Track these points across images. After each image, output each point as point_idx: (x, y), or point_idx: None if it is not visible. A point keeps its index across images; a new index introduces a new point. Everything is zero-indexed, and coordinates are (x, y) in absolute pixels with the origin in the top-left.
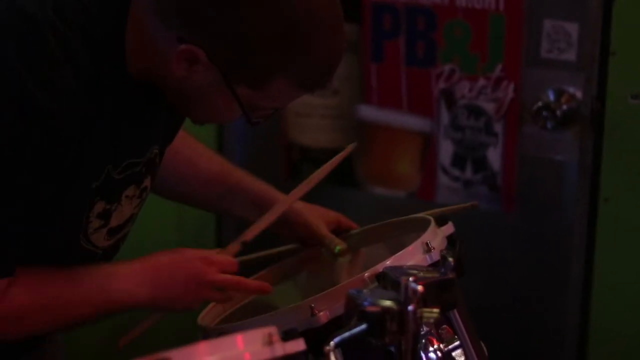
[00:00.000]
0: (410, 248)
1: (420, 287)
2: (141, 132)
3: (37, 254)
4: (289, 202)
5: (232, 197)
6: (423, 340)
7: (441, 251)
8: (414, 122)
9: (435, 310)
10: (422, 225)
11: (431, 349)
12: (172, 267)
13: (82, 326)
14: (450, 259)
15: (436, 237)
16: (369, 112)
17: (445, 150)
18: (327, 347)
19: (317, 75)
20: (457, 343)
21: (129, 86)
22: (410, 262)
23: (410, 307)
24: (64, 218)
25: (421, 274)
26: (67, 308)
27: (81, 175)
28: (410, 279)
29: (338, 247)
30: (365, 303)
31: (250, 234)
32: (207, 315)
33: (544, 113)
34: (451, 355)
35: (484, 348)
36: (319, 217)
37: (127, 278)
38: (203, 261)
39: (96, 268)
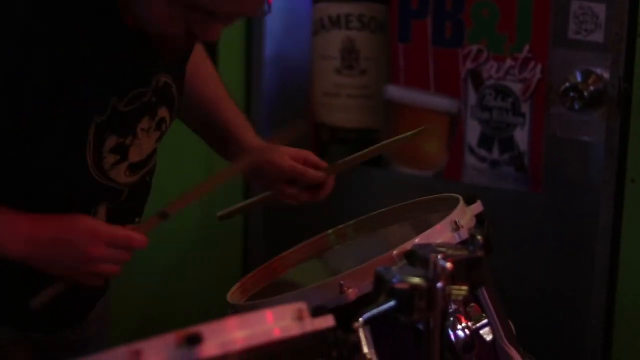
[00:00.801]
0: (438, 226)
1: (449, 265)
2: (142, 62)
3: (47, 190)
4: (223, 176)
5: (210, 130)
6: (451, 318)
7: (469, 229)
8: (441, 102)
9: (464, 287)
10: (449, 204)
11: (459, 326)
12: (56, 232)
13: None
14: (479, 237)
15: (464, 215)
16: (396, 92)
17: (472, 130)
18: (356, 324)
19: None
20: (485, 321)
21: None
22: (439, 240)
23: (438, 285)
24: (71, 153)
25: (450, 252)
26: None
27: (83, 108)
28: (439, 256)
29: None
30: (394, 280)
31: (174, 207)
32: (236, 292)
33: (571, 94)
34: (479, 332)
35: (512, 326)
36: (283, 154)
37: (4, 228)
38: (89, 233)
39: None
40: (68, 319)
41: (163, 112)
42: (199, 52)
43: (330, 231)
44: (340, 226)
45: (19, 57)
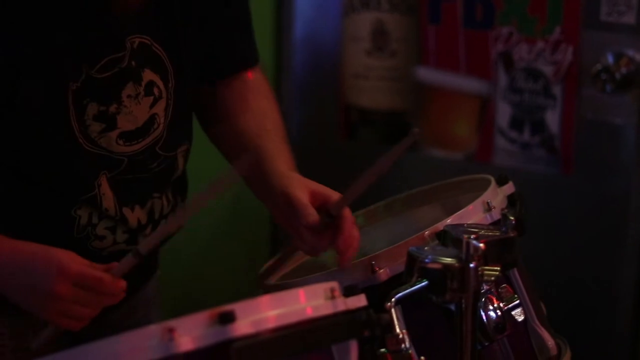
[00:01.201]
0: (470, 207)
1: (482, 245)
2: (109, 25)
3: (43, 165)
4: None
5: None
6: (483, 299)
7: (501, 210)
8: (471, 84)
9: (496, 268)
10: (481, 185)
11: (490, 307)
12: (24, 264)
13: None
14: (512, 218)
15: (496, 196)
16: (426, 74)
17: (503, 112)
18: (389, 304)
19: None
20: (516, 302)
21: None
22: (471, 221)
23: (471, 265)
24: (55, 121)
25: (482, 232)
26: None
27: (55, 75)
28: (472, 236)
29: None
30: (427, 260)
31: (146, 244)
32: (266, 272)
33: (603, 76)
34: (510, 314)
35: (543, 307)
36: (303, 188)
37: None
38: (55, 269)
39: None
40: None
41: (149, 75)
42: (250, 85)
43: (359, 212)
44: (370, 207)
45: None
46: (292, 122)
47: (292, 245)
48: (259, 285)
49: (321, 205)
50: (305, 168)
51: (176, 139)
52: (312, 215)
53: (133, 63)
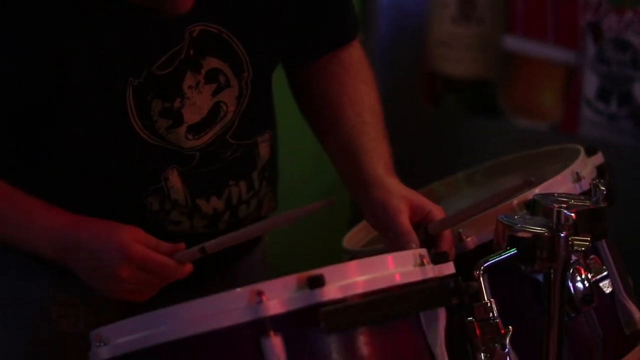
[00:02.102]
0: (559, 177)
1: (573, 215)
2: (166, 19)
3: (108, 162)
4: (271, 225)
5: (340, 150)
6: (571, 269)
7: (592, 180)
8: (558, 53)
9: (586, 238)
10: (568, 156)
11: (578, 278)
12: (87, 241)
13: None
14: (603, 188)
15: (586, 166)
16: (513, 42)
17: (590, 83)
18: (477, 272)
19: None
20: (604, 273)
21: None
22: (560, 191)
23: (562, 235)
24: (113, 118)
25: (573, 202)
26: None
27: (112, 71)
28: (563, 205)
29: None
30: (516, 229)
31: (215, 245)
32: (351, 239)
33: None
34: (598, 285)
35: (630, 280)
36: (404, 202)
37: (44, 231)
38: (121, 253)
39: (33, 205)
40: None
41: (212, 62)
42: (348, 66)
43: (441, 181)
44: (453, 176)
45: (44, 29)
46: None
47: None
48: (343, 251)
49: (420, 221)
50: (390, 135)
51: (253, 127)
52: (414, 242)
53: (191, 52)
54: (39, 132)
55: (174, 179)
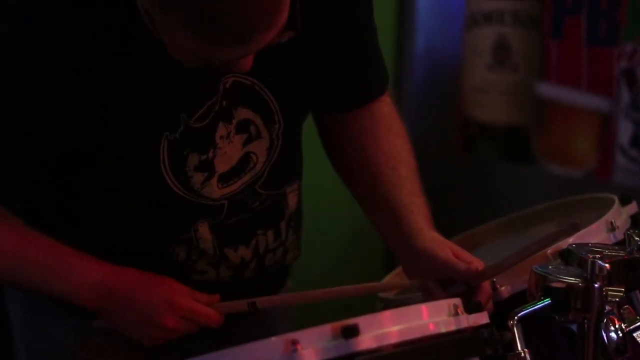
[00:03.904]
0: (594, 226)
1: (607, 265)
2: (201, 70)
3: (136, 215)
4: (334, 293)
5: (378, 205)
6: (604, 319)
7: (626, 230)
8: (593, 101)
9: (621, 289)
10: (602, 204)
11: (612, 328)
12: (133, 291)
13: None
14: (637, 239)
15: (620, 215)
16: (547, 89)
17: (625, 130)
18: (511, 322)
19: (206, 21)
20: (638, 324)
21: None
22: (594, 240)
23: (596, 285)
24: (145, 172)
25: (607, 252)
26: (23, 271)
27: (148, 126)
28: (597, 256)
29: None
30: (550, 279)
31: (266, 302)
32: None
33: None
34: (632, 335)
35: None
36: (449, 251)
37: (84, 281)
38: (168, 304)
39: (72, 256)
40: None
41: (243, 113)
42: (380, 120)
43: (475, 230)
44: (490, 223)
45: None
46: (411, 135)
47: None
48: (377, 299)
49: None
50: (424, 181)
51: (282, 178)
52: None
53: (224, 103)
54: (73, 179)
55: (204, 231)
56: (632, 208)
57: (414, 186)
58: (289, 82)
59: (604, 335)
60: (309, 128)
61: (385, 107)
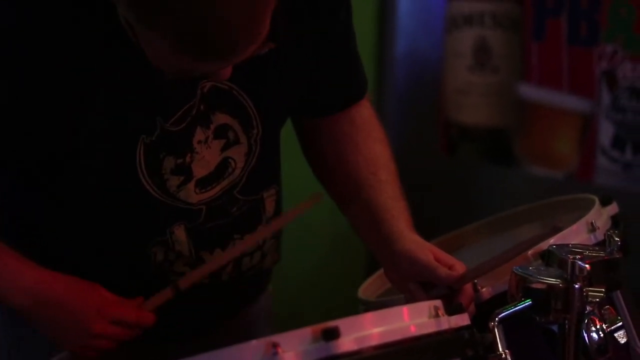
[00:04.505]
0: (574, 227)
1: (587, 266)
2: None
3: (113, 217)
4: (238, 249)
5: (359, 210)
6: (585, 320)
7: (607, 230)
8: (574, 102)
9: (601, 289)
10: (583, 205)
11: (593, 329)
12: (62, 297)
13: None
14: (617, 239)
15: (601, 216)
16: (528, 90)
17: (606, 131)
18: (492, 323)
19: (189, 39)
20: (619, 324)
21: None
22: (574, 241)
23: (576, 286)
24: (121, 175)
25: (587, 253)
26: None
27: (124, 129)
28: (577, 257)
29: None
30: (531, 280)
31: (187, 281)
32: (367, 289)
33: None
34: (613, 336)
35: None
36: (430, 254)
37: (8, 276)
38: (97, 310)
39: (8, 258)
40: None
41: (221, 118)
42: (359, 125)
43: (457, 232)
44: (470, 225)
45: (56, 78)
46: (392, 137)
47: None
48: (358, 301)
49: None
50: (405, 183)
51: (260, 183)
52: (444, 289)
53: (202, 107)
54: (49, 180)
55: (180, 233)
56: (612, 209)
57: (394, 190)
58: (267, 87)
59: (585, 335)
60: (287, 132)
61: (365, 112)
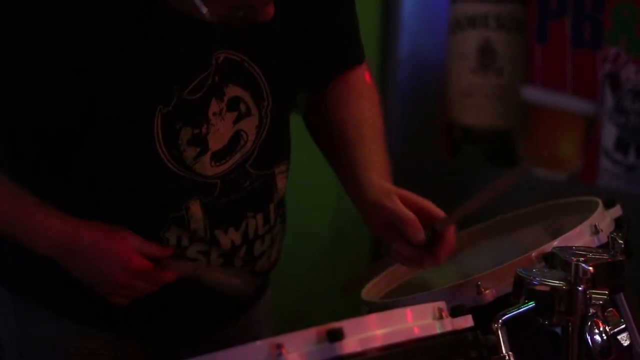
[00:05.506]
0: (577, 229)
1: (590, 268)
2: (197, 44)
3: (129, 188)
4: None
5: (340, 163)
6: (589, 322)
7: (610, 233)
8: (577, 104)
9: (604, 292)
10: (586, 208)
11: (596, 331)
12: (87, 246)
13: None
14: (620, 241)
15: (604, 219)
16: (532, 92)
17: (609, 133)
18: (496, 325)
19: None
20: (622, 326)
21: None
22: (578, 244)
23: (579, 288)
24: (139, 146)
25: (591, 255)
26: None
27: (143, 97)
28: (581, 259)
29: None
30: (535, 282)
31: (210, 274)
32: (370, 291)
33: None
34: (616, 338)
35: None
36: (396, 196)
37: (40, 223)
38: (120, 262)
39: (35, 209)
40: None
41: (234, 90)
42: (352, 87)
43: (460, 233)
44: (474, 227)
45: (70, 46)
46: (396, 138)
47: (387, 258)
48: (362, 302)
49: (425, 221)
50: (408, 184)
51: (271, 157)
52: (421, 231)
53: (216, 79)
54: (65, 153)
55: (195, 209)
56: (616, 211)
57: (376, 145)
58: (276, 57)
59: (588, 338)
60: (295, 129)
61: (360, 76)
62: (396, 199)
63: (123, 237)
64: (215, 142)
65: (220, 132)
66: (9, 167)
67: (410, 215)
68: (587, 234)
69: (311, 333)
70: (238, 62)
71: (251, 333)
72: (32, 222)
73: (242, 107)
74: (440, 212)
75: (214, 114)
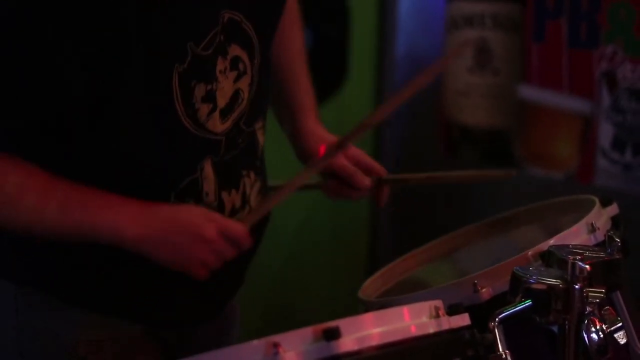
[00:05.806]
0: (574, 228)
1: (587, 267)
2: (203, 1)
3: (150, 153)
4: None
5: (278, 105)
6: (585, 321)
7: (607, 231)
8: (574, 103)
9: (601, 290)
10: (583, 206)
11: (593, 329)
12: (171, 214)
13: (59, 239)
14: (617, 240)
15: (601, 217)
16: (529, 92)
17: (605, 132)
18: (492, 323)
19: None
20: (619, 325)
21: None
22: (575, 242)
23: (576, 286)
24: (159, 107)
25: (587, 254)
26: (52, 212)
27: (159, 59)
28: (577, 258)
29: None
30: (531, 280)
31: (251, 217)
32: (367, 289)
33: None
34: (613, 336)
35: None
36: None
37: (120, 209)
38: (205, 216)
39: (100, 192)
40: (202, 314)
41: (235, 50)
42: (289, 20)
43: (457, 232)
44: (470, 226)
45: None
46: (393, 137)
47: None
48: (358, 301)
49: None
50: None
51: (256, 113)
52: (367, 179)
53: (222, 37)
54: (87, 122)
55: (208, 169)
56: (613, 209)
57: (306, 82)
58: (266, 15)
59: (585, 336)
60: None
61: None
62: (317, 145)
63: (199, 206)
64: (221, 99)
65: (224, 89)
66: (22, 140)
67: (351, 168)
68: (583, 232)
69: (308, 332)
70: (238, 22)
71: (229, 333)
72: (108, 200)
73: (241, 66)
74: (375, 166)
75: (220, 71)
